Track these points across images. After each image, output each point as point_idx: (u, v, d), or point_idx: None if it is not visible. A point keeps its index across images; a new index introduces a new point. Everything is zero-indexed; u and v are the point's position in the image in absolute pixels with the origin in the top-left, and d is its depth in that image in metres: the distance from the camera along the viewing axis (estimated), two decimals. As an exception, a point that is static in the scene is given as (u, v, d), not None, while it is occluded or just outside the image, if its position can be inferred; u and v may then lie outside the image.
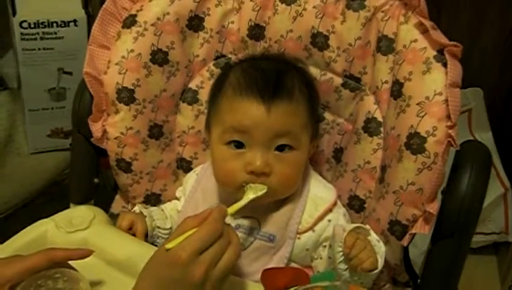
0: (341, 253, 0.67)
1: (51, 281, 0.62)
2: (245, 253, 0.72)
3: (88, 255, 0.66)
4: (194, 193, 0.78)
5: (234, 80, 0.72)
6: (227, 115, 0.71)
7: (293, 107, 0.70)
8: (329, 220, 0.73)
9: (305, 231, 0.73)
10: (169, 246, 0.56)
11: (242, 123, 0.69)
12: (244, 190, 0.69)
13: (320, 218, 0.73)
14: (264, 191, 0.68)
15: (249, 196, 0.68)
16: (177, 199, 0.82)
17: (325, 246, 0.73)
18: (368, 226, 0.69)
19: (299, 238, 0.73)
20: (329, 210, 0.74)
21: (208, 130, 0.76)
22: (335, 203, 0.75)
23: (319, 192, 0.75)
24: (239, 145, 0.70)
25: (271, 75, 0.71)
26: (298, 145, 0.71)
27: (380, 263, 0.67)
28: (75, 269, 0.65)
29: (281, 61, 0.76)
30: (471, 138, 1.32)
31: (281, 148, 0.70)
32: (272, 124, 0.68)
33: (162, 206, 0.81)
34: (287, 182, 0.71)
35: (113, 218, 0.83)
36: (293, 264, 0.74)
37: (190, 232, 0.57)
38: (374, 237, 0.69)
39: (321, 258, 0.73)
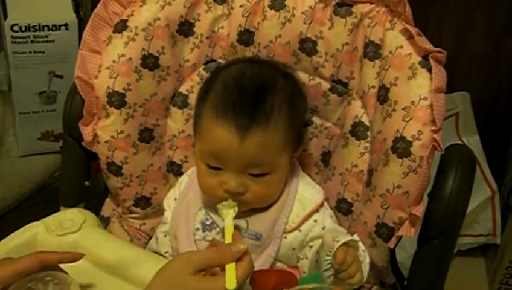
0: (328, 261, 0.68)
1: (41, 284, 0.62)
2: None
3: (79, 259, 0.66)
4: (186, 194, 0.79)
5: (214, 99, 0.72)
6: (205, 138, 0.72)
7: (270, 133, 0.70)
8: (315, 221, 0.74)
9: (292, 231, 0.74)
10: (230, 287, 0.59)
11: (216, 150, 0.71)
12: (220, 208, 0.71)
13: (306, 218, 0.74)
14: (236, 208, 0.70)
15: (230, 217, 0.68)
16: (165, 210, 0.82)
17: (311, 247, 0.74)
18: (357, 237, 0.70)
19: (285, 237, 0.74)
20: (316, 211, 0.75)
21: (195, 137, 0.77)
22: (322, 204, 0.76)
23: (307, 193, 0.76)
24: (216, 168, 0.72)
25: (250, 96, 0.70)
26: (274, 169, 0.72)
27: (365, 273, 0.68)
28: (65, 272, 0.65)
29: (268, 68, 0.76)
30: (459, 141, 1.34)
31: (255, 174, 0.71)
32: (245, 155, 0.69)
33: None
34: (263, 199, 0.73)
35: (104, 221, 0.84)
36: (279, 264, 0.75)
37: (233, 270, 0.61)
38: (361, 247, 0.70)
39: (307, 258, 0.74)
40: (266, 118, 0.70)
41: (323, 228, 0.74)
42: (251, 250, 0.72)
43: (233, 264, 0.61)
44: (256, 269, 0.71)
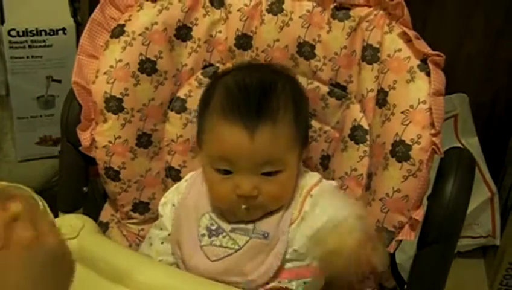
0: None
1: None
2: (240, 252, 0.72)
3: None
4: (185, 199, 0.79)
5: (217, 102, 0.72)
6: (213, 144, 0.72)
7: (278, 130, 0.70)
8: (311, 195, 0.73)
9: (295, 221, 0.73)
10: None
11: (226, 154, 0.70)
12: (239, 211, 0.70)
13: (304, 199, 0.73)
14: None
15: None
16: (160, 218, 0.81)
17: (311, 196, 0.72)
18: None
19: (290, 227, 0.73)
20: (311, 189, 0.74)
21: (199, 146, 0.77)
22: (318, 182, 0.75)
23: (304, 181, 0.75)
24: (227, 171, 0.71)
25: (254, 96, 0.70)
26: (285, 167, 0.71)
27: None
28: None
29: (268, 70, 0.76)
30: (458, 143, 1.34)
31: (268, 173, 0.71)
32: (256, 153, 0.69)
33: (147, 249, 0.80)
34: (276, 200, 0.72)
35: (102, 226, 0.84)
36: (288, 265, 0.73)
37: None
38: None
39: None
40: (273, 115, 0.70)
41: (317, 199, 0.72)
42: (260, 250, 0.72)
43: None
44: (265, 269, 0.71)
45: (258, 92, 0.71)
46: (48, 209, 0.62)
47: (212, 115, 0.72)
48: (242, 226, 0.74)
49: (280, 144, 0.70)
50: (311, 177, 0.76)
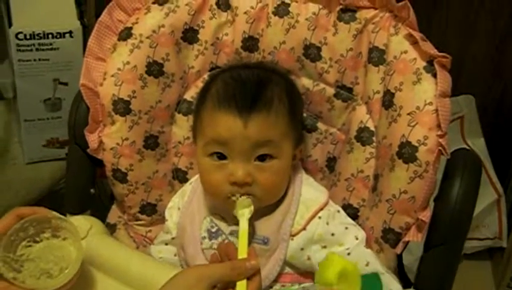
0: None
1: (22, 232, 0.65)
2: None
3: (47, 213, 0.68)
4: (190, 203, 0.79)
5: (215, 92, 0.73)
6: (208, 128, 0.72)
7: (272, 118, 0.71)
8: (319, 217, 0.74)
9: (298, 233, 0.74)
10: None
11: (221, 135, 0.70)
12: (233, 204, 0.70)
13: (311, 218, 0.74)
14: (251, 207, 0.70)
15: (245, 219, 0.69)
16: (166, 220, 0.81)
17: (324, 247, 0.73)
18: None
19: (292, 239, 0.73)
20: (320, 209, 0.75)
21: (195, 141, 0.77)
22: (326, 203, 0.76)
23: (310, 195, 0.76)
24: (221, 156, 0.71)
25: (250, 86, 0.72)
26: (279, 154, 0.72)
27: None
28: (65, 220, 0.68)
29: (263, 68, 0.77)
30: (464, 144, 1.34)
31: (261, 158, 0.71)
32: (249, 135, 0.69)
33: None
34: (270, 190, 0.72)
35: (110, 228, 0.84)
36: (288, 270, 0.74)
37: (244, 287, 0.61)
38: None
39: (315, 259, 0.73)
40: (267, 104, 0.71)
41: (327, 223, 0.74)
42: (259, 255, 0.72)
43: (245, 281, 0.60)
44: (265, 273, 0.72)
45: (254, 84, 0.72)
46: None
47: (208, 104, 0.73)
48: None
49: (274, 129, 0.71)
50: (317, 192, 0.76)
